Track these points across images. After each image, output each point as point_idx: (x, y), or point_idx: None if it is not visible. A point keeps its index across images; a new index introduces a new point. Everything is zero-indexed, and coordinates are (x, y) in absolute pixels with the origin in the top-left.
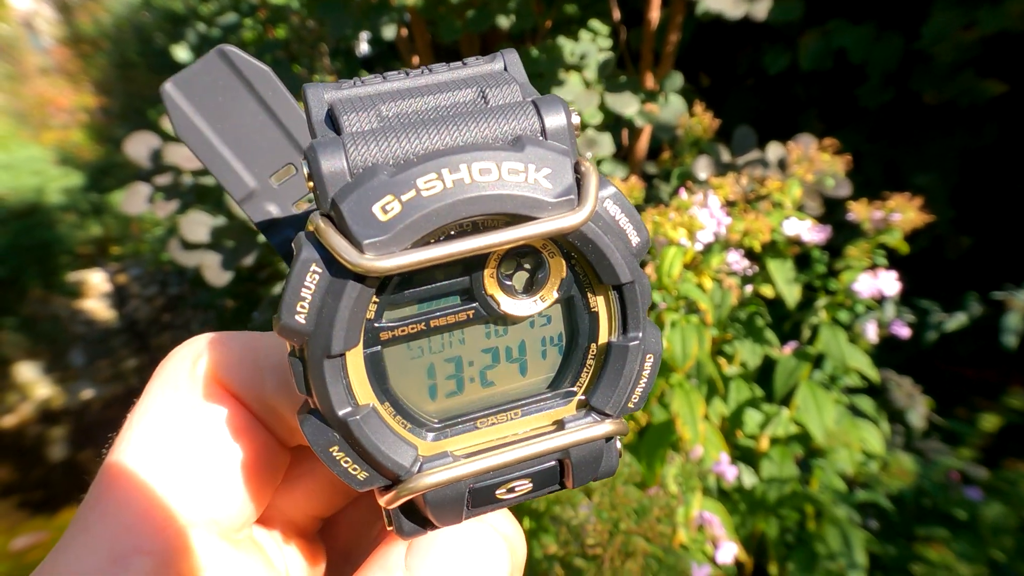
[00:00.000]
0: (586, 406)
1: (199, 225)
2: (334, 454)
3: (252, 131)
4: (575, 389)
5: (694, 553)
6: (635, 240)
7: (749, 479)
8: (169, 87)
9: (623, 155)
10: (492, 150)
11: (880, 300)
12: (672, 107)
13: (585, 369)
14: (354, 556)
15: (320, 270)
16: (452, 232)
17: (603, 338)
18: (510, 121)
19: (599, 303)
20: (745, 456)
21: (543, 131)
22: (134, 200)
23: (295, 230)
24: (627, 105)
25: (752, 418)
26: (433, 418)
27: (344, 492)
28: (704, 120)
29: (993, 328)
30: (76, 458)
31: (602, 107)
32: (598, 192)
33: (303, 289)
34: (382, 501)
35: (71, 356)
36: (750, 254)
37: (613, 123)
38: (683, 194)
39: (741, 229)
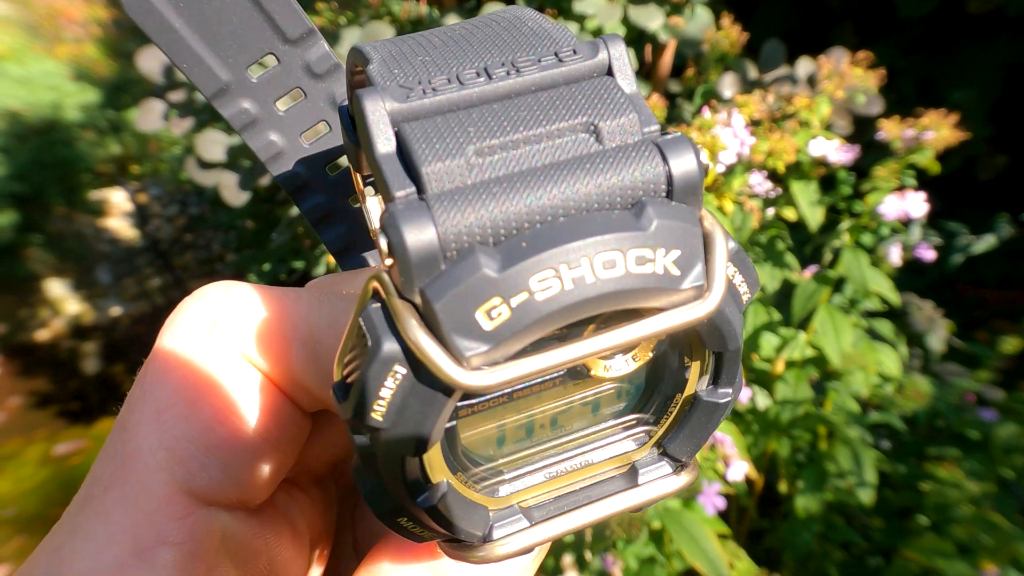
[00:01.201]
0: (659, 447)
1: (215, 144)
2: (401, 523)
3: (224, 13)
4: (651, 432)
5: (705, 471)
6: (747, 297)
7: (763, 401)
8: None
9: (646, 72)
10: (616, 231)
11: (906, 222)
12: (698, 20)
13: (665, 415)
14: None
15: (404, 371)
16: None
17: (690, 389)
18: (631, 171)
19: (694, 362)
20: (760, 379)
21: (669, 183)
22: (148, 117)
23: (279, 134)
24: (651, 18)
25: (768, 342)
26: (501, 468)
27: None
28: (731, 34)
29: (1022, 251)
30: (108, 371)
31: (625, 21)
32: (731, 274)
33: (383, 389)
34: (444, 551)
35: (98, 273)
36: (773, 176)
37: (636, 38)
38: (706, 113)
39: (765, 150)
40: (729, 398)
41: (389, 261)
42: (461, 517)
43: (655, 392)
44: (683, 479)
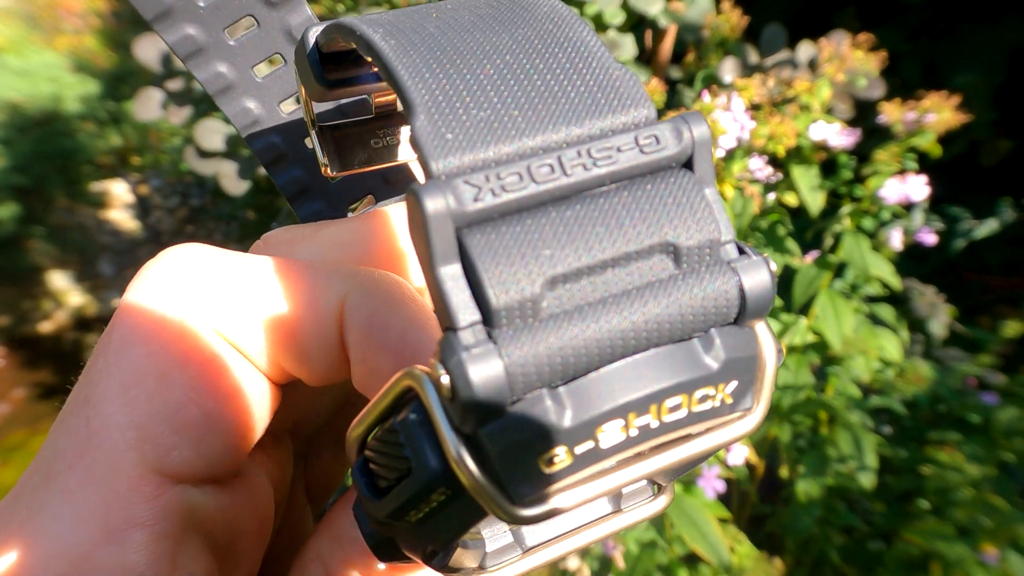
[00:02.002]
0: None
1: (214, 133)
2: (402, 562)
3: None
4: None
5: None
6: None
7: None
8: None
9: (646, 58)
10: (686, 375)
11: (908, 207)
12: (699, 5)
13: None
14: (317, 441)
15: (450, 492)
16: None
17: None
18: (705, 300)
19: None
20: None
21: (741, 310)
22: (147, 106)
23: (229, 65)
24: (651, 3)
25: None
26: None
27: (319, 395)
28: (732, 18)
29: None
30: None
31: (624, 6)
32: (773, 383)
33: (422, 503)
34: (437, 571)
35: (100, 265)
36: (774, 160)
37: (636, 23)
38: (706, 97)
39: (765, 134)
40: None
41: (448, 397)
42: (465, 559)
43: None
44: (662, 501)
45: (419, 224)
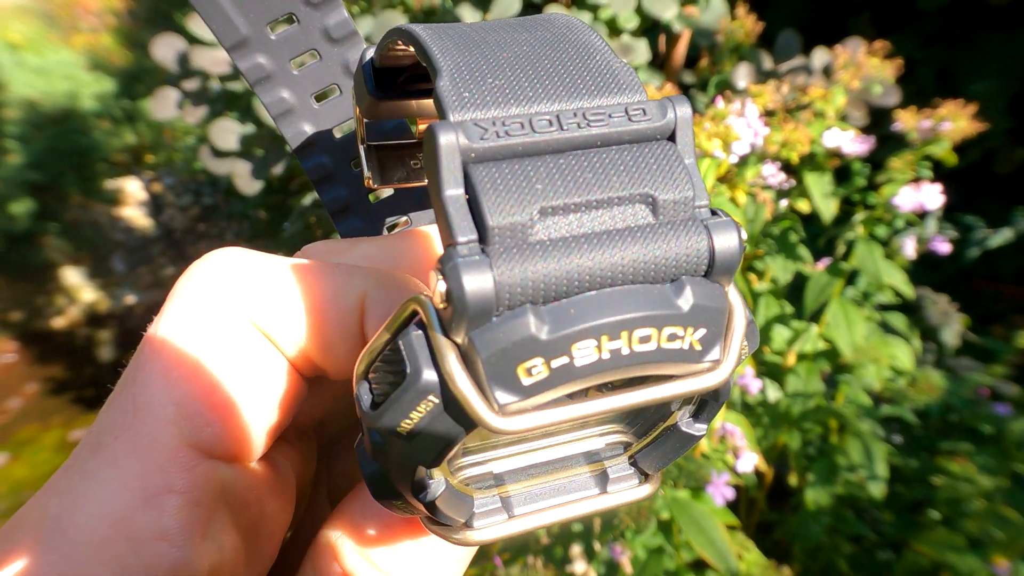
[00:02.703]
0: (632, 459)
1: (228, 133)
2: (396, 504)
3: None
4: (628, 446)
5: (714, 462)
6: (745, 354)
7: (774, 394)
8: None
9: (659, 63)
10: (655, 309)
11: (921, 215)
12: (713, 10)
13: (645, 436)
14: (344, 441)
15: (437, 400)
16: None
17: (672, 420)
18: (678, 248)
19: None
20: (771, 372)
21: (710, 263)
22: (163, 105)
23: (291, 91)
24: (666, 8)
25: (780, 334)
26: (491, 466)
27: (343, 397)
28: (746, 24)
29: None
30: (123, 359)
31: (639, 10)
32: (741, 344)
33: (413, 411)
34: (427, 527)
35: (113, 262)
36: (787, 167)
37: (650, 28)
38: (719, 103)
39: (779, 140)
40: (704, 432)
41: (444, 306)
42: (452, 508)
43: (641, 417)
44: (648, 488)
45: (433, 154)
